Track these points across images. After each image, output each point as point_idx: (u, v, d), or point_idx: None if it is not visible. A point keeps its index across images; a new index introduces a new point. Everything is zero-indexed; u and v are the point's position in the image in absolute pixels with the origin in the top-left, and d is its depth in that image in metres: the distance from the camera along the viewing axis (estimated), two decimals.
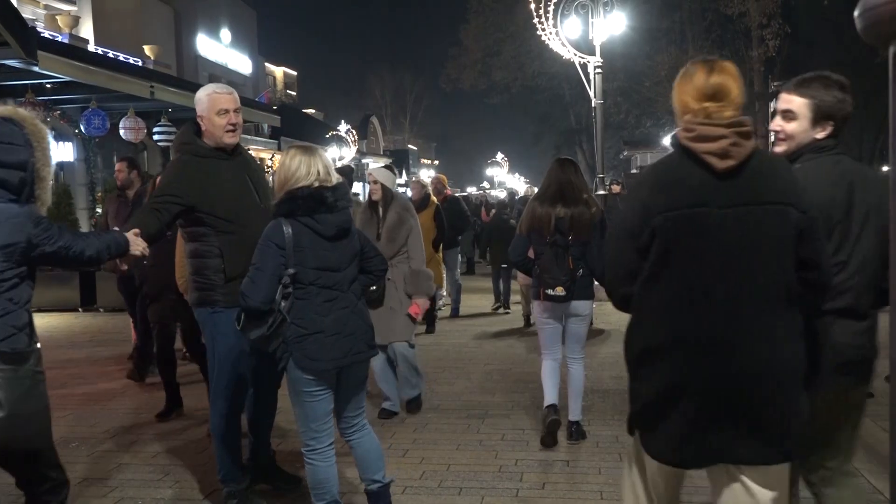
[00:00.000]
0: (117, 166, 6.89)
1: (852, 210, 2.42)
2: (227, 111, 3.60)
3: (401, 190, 8.97)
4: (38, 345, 2.66)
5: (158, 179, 5.23)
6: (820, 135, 2.49)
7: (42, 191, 2.68)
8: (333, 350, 3.05)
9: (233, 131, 3.63)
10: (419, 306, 5.09)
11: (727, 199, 2.05)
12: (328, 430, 3.16)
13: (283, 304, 2.99)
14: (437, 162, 58.53)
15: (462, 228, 10.49)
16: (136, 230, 3.19)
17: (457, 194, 12.48)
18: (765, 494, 2.13)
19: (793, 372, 2.11)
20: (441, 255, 8.74)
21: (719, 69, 2.17)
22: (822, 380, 2.36)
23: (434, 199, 8.81)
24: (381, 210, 5.17)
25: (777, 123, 2.58)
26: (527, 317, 9.20)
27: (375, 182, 5.21)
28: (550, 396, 4.75)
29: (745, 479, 2.13)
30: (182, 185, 3.49)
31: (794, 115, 2.53)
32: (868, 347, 2.48)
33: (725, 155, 2.05)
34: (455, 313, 10.25)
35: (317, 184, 3.08)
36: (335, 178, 3.18)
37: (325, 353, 3.04)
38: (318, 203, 3.05)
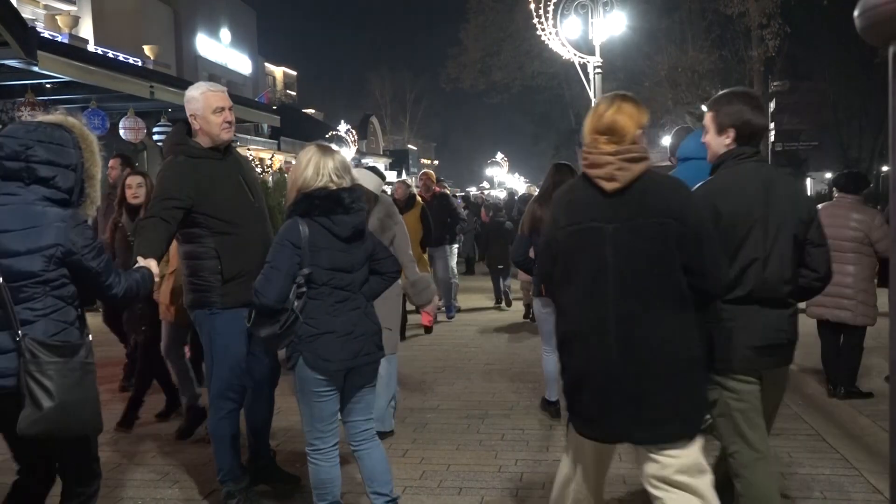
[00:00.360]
0: (111, 163, 6.84)
1: (769, 211, 2.74)
2: (222, 109, 3.60)
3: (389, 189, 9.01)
4: (90, 337, 2.78)
5: (136, 180, 5.18)
6: (727, 142, 2.84)
7: (92, 189, 2.81)
8: (344, 351, 3.06)
9: (229, 129, 3.63)
10: (429, 314, 5.06)
11: (615, 215, 2.45)
12: (333, 430, 3.16)
13: (296, 303, 2.99)
14: (437, 162, 58.51)
15: (452, 226, 9.99)
16: (150, 260, 3.17)
17: (448, 191, 11.52)
18: (673, 463, 2.43)
19: (683, 361, 2.42)
20: (427, 255, 8.57)
21: (617, 108, 2.53)
22: (745, 361, 2.74)
23: (420, 198, 8.76)
24: None
25: (703, 138, 3.01)
26: (528, 306, 9.21)
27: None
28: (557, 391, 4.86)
29: (651, 454, 2.47)
30: (181, 187, 3.47)
31: (706, 129, 2.93)
32: (790, 332, 2.84)
33: (611, 178, 2.45)
34: (449, 314, 9.80)
35: (332, 185, 3.08)
36: (350, 180, 3.17)
37: (335, 353, 3.04)
38: (335, 204, 3.06)
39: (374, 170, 5.41)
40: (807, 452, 4.37)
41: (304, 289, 3.01)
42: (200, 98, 3.58)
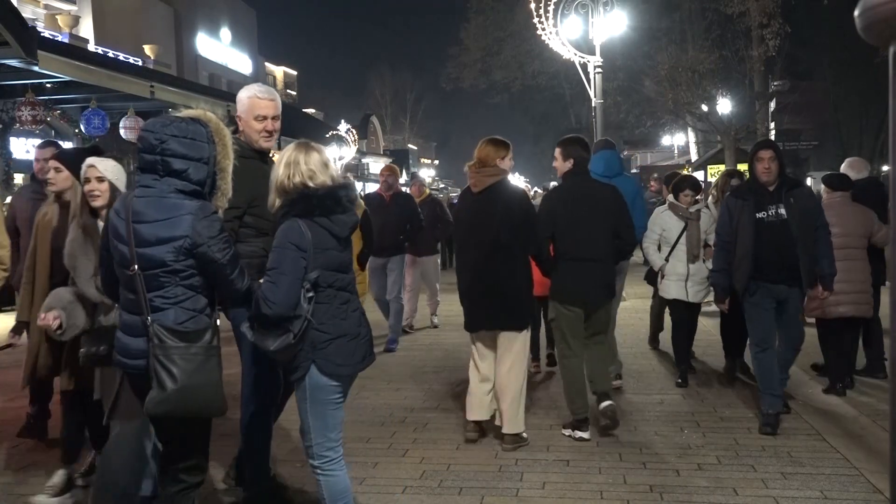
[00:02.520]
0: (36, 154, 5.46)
1: (585, 204, 4.77)
2: (265, 117, 3.57)
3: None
4: (218, 321, 2.90)
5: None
6: (569, 166, 4.89)
7: (223, 181, 2.92)
8: (356, 354, 3.01)
9: (268, 138, 3.60)
10: None
11: (478, 207, 4.62)
12: (341, 437, 3.10)
13: (308, 308, 2.87)
14: (437, 161, 58.52)
15: (412, 232, 7.77)
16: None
17: (426, 191, 9.10)
18: (515, 339, 4.59)
19: (520, 286, 4.55)
20: (367, 272, 7.14)
21: (486, 144, 4.74)
22: (569, 296, 4.77)
23: (362, 204, 6.87)
24: None
25: (554, 164, 5.11)
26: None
27: None
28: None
29: (502, 335, 4.62)
30: (238, 193, 3.26)
31: (557, 158, 4.98)
32: (603, 280, 4.81)
33: (475, 185, 4.64)
34: (390, 345, 7.54)
35: (310, 183, 2.93)
36: (329, 178, 2.98)
37: (349, 357, 2.98)
38: (336, 203, 2.95)
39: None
40: (807, 452, 4.37)
41: (312, 293, 2.88)
42: (246, 102, 3.58)
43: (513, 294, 4.50)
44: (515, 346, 4.58)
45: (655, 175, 13.46)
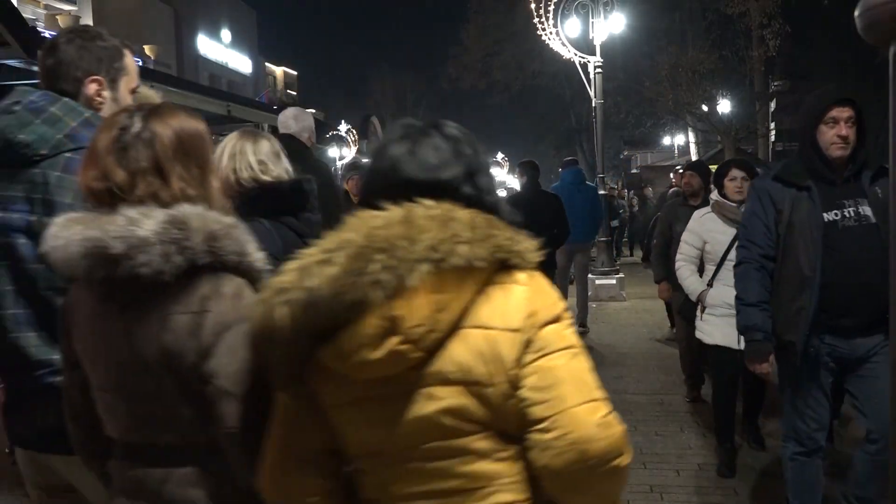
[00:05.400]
0: None
1: (538, 208, 6.31)
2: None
3: None
4: None
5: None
6: (523, 180, 7.03)
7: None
8: None
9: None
10: None
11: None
12: None
13: None
14: None
15: None
16: None
17: None
18: None
19: None
20: None
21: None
22: None
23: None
24: None
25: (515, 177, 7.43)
26: None
27: None
28: None
29: None
30: None
31: (518, 174, 6.71)
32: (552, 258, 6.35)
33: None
34: None
35: (264, 178, 2.44)
36: (285, 170, 2.49)
37: None
38: (304, 199, 2.48)
39: None
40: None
41: None
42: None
43: None
44: None
45: (679, 168, 12.13)
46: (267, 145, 2.49)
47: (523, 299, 1.32)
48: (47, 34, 12.58)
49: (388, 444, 1.32)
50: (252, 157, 2.42)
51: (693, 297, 4.36)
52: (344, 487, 1.42)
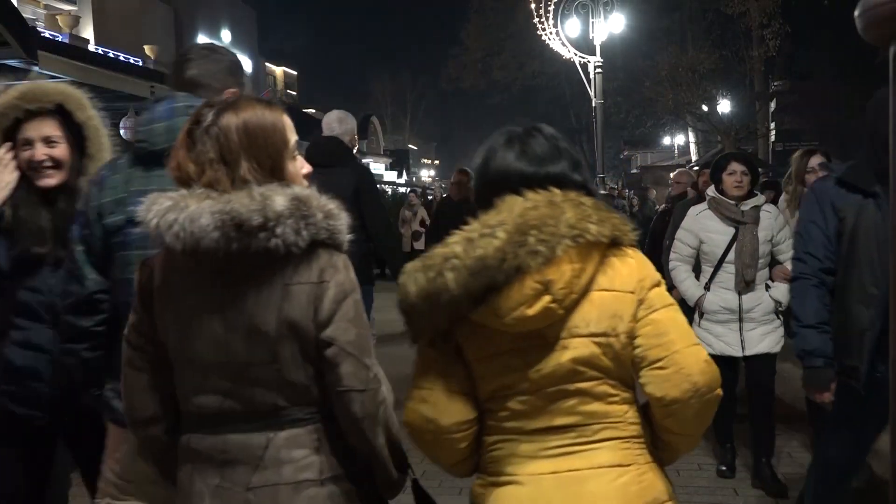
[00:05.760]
0: None
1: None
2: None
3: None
4: None
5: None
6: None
7: None
8: None
9: None
10: None
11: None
12: None
13: None
14: (437, 162, 58.53)
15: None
16: None
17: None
18: None
19: None
20: None
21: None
22: None
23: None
24: None
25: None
26: None
27: None
28: None
29: None
30: None
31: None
32: None
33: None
34: None
35: None
36: None
37: None
38: None
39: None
40: (807, 453, 4.36)
41: None
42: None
43: None
44: None
45: (694, 167, 12.01)
46: None
47: (635, 268, 1.63)
48: (47, 34, 12.59)
49: (522, 388, 1.61)
50: None
51: (690, 302, 4.04)
52: (477, 425, 1.72)
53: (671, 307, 1.64)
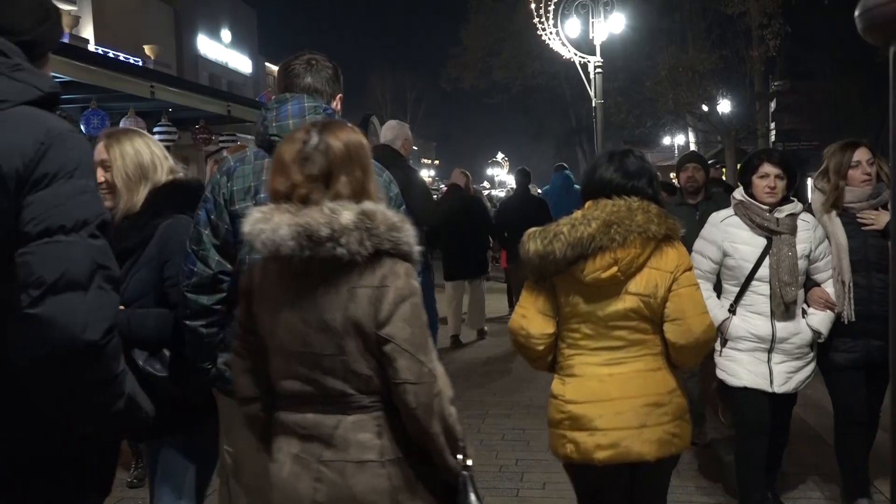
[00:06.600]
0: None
1: (520, 209, 8.13)
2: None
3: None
4: None
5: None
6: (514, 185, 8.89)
7: None
8: None
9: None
10: None
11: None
12: None
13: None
14: (437, 162, 58.50)
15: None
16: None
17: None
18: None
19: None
20: None
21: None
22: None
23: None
24: None
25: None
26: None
27: None
28: None
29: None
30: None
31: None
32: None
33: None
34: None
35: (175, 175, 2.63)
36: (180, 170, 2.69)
37: None
38: (199, 197, 2.49)
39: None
40: (808, 452, 4.37)
41: None
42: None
43: None
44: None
45: (715, 161, 10.87)
46: (160, 145, 2.68)
47: (676, 255, 2.49)
48: None
49: (592, 319, 2.51)
50: (160, 151, 2.62)
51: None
52: (554, 339, 2.59)
53: (693, 286, 2.49)
